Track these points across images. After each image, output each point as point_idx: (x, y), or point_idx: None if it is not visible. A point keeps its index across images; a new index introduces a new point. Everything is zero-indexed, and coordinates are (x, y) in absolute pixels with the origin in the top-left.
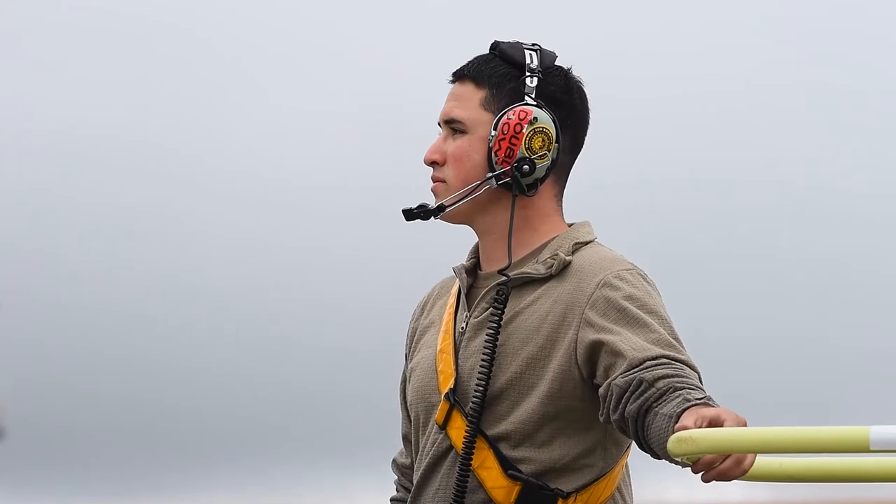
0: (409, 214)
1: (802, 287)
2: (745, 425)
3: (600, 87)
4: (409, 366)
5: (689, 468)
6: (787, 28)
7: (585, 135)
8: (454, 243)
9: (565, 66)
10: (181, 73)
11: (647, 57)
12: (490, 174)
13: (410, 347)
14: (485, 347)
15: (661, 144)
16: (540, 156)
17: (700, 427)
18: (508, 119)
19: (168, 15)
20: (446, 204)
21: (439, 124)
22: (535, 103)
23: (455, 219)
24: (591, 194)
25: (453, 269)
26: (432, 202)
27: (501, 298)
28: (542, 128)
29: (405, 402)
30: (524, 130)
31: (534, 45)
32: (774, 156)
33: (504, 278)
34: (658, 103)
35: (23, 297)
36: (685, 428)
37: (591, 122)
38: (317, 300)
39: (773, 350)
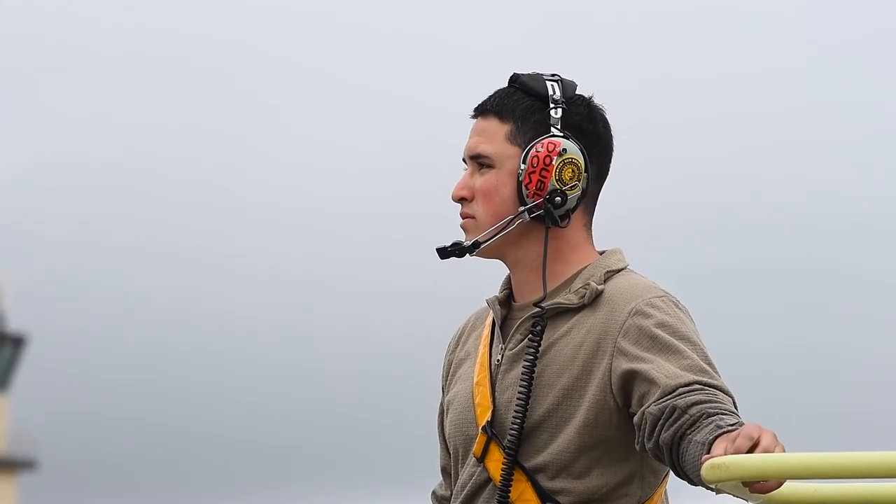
0: (444, 252)
1: (839, 305)
2: (774, 440)
3: (634, 114)
4: (447, 398)
5: (724, 494)
6: (823, 54)
7: (611, 162)
8: (490, 272)
9: (586, 95)
10: (222, 114)
11: (680, 83)
12: (522, 208)
13: (447, 380)
14: (521, 380)
15: (703, 168)
16: (571, 186)
17: (732, 452)
18: (537, 152)
19: (209, 61)
20: (481, 240)
21: (464, 160)
22: (561, 134)
23: (488, 254)
24: (637, 217)
25: (487, 301)
26: (463, 238)
27: (537, 331)
28: (572, 158)
29: (443, 435)
30: (554, 162)
31: (553, 75)
32: (807, 175)
33: (538, 310)
34: (690, 127)
35: (57, 331)
36: (717, 455)
37: (619, 147)
38: (352, 328)
39: (816, 368)
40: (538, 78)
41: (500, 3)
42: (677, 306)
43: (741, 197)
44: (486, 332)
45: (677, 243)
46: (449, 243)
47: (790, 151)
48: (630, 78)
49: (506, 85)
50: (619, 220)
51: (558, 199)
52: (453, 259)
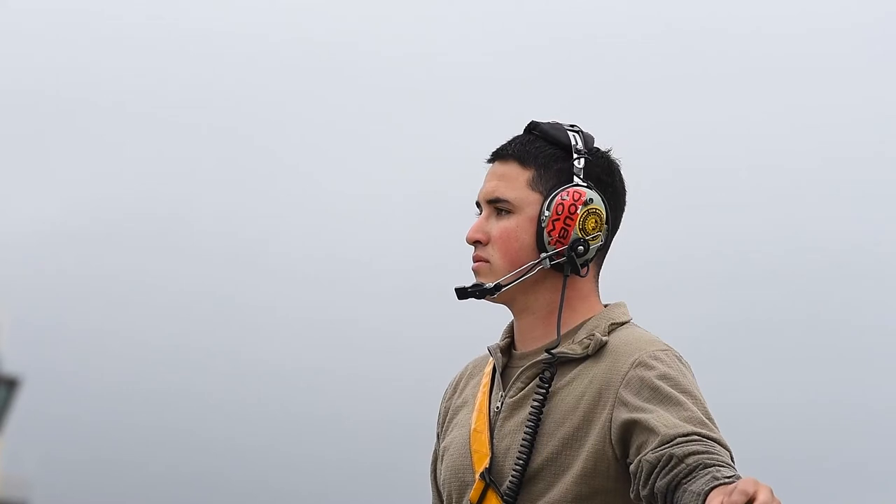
0: (463, 293)
1: (852, 354)
2: (770, 495)
3: (649, 168)
4: (442, 445)
5: None
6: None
7: (623, 215)
8: (495, 321)
9: (604, 148)
10: (244, 169)
11: (697, 138)
12: (545, 255)
13: (442, 426)
14: (527, 426)
15: (714, 220)
16: (593, 237)
17: None
18: (562, 199)
19: (230, 121)
20: (503, 283)
21: (478, 203)
22: (585, 184)
23: (500, 298)
24: (652, 268)
25: (488, 348)
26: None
27: (546, 377)
28: (595, 209)
29: (436, 481)
30: (579, 211)
31: (573, 125)
32: (823, 227)
33: (547, 356)
34: (700, 177)
35: (51, 374)
36: None
37: (655, 199)
38: (364, 375)
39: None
40: (559, 127)
41: (538, 64)
42: (680, 360)
43: (756, 248)
44: (486, 379)
45: (692, 294)
46: (468, 284)
47: (800, 204)
48: (665, 134)
49: (522, 132)
50: (638, 271)
51: (580, 248)
52: (472, 307)
